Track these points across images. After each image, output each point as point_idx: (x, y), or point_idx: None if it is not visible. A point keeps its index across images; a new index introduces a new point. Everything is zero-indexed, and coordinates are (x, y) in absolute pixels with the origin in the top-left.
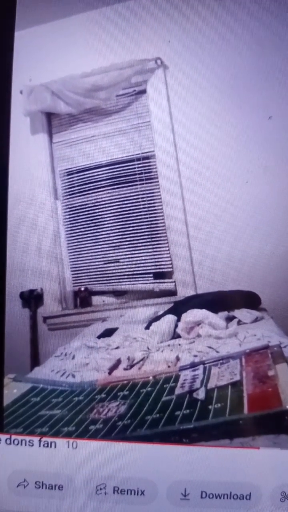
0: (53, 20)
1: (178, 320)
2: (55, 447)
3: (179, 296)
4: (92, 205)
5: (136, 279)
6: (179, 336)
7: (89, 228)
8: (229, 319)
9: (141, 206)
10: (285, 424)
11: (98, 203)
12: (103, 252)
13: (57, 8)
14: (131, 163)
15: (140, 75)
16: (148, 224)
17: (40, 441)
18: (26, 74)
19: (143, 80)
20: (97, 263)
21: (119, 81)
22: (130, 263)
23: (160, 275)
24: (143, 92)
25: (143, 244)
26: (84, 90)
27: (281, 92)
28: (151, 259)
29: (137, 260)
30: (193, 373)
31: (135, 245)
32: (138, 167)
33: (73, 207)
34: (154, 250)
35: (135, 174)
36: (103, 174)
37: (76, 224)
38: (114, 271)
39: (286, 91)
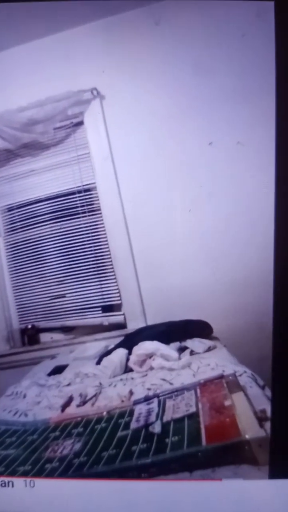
0: None
1: (130, 353)
2: (12, 486)
3: (129, 328)
4: (35, 240)
5: (84, 313)
6: (131, 370)
7: (33, 264)
8: (182, 349)
9: (86, 239)
10: (245, 454)
11: (41, 238)
12: (48, 288)
13: None
14: (73, 196)
15: (77, 106)
16: (93, 257)
17: None
18: None
19: (80, 112)
20: (43, 299)
21: (56, 113)
22: (77, 297)
23: (108, 308)
24: (81, 123)
25: (90, 277)
26: (20, 125)
27: (219, 117)
28: (99, 292)
29: (84, 294)
30: (148, 406)
31: (82, 278)
32: (80, 200)
33: (16, 243)
34: (101, 283)
35: (77, 207)
36: (44, 208)
37: (20, 260)
38: (61, 307)
39: (224, 115)
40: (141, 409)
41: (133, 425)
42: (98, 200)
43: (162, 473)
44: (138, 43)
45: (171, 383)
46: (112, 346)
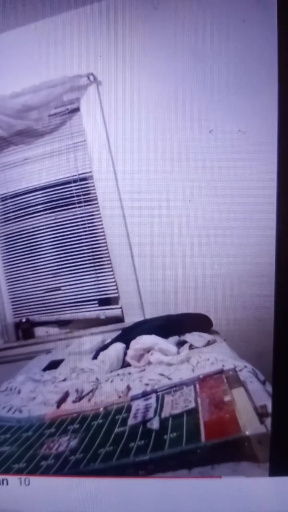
0: None
1: (127, 347)
2: (7, 484)
3: (127, 322)
4: (29, 231)
5: (80, 307)
6: (129, 365)
7: (28, 256)
8: (180, 344)
9: (81, 230)
10: (245, 450)
11: (36, 229)
12: (43, 280)
13: None
14: (68, 185)
15: (73, 92)
16: (89, 249)
17: None
18: None
19: (76, 98)
20: (37, 292)
21: (51, 99)
22: (73, 290)
23: (105, 302)
24: (77, 110)
25: (86, 269)
26: (14, 111)
27: (219, 104)
28: (95, 285)
29: (80, 287)
30: (146, 402)
31: (77, 271)
32: (75, 189)
33: (9, 234)
34: (98, 275)
35: (73, 197)
36: (39, 198)
37: (13, 252)
38: (56, 300)
39: (225, 102)
40: (138, 405)
41: (131, 421)
42: (94, 189)
43: (160, 470)
44: (136, 27)
45: (169, 378)
46: (109, 340)
